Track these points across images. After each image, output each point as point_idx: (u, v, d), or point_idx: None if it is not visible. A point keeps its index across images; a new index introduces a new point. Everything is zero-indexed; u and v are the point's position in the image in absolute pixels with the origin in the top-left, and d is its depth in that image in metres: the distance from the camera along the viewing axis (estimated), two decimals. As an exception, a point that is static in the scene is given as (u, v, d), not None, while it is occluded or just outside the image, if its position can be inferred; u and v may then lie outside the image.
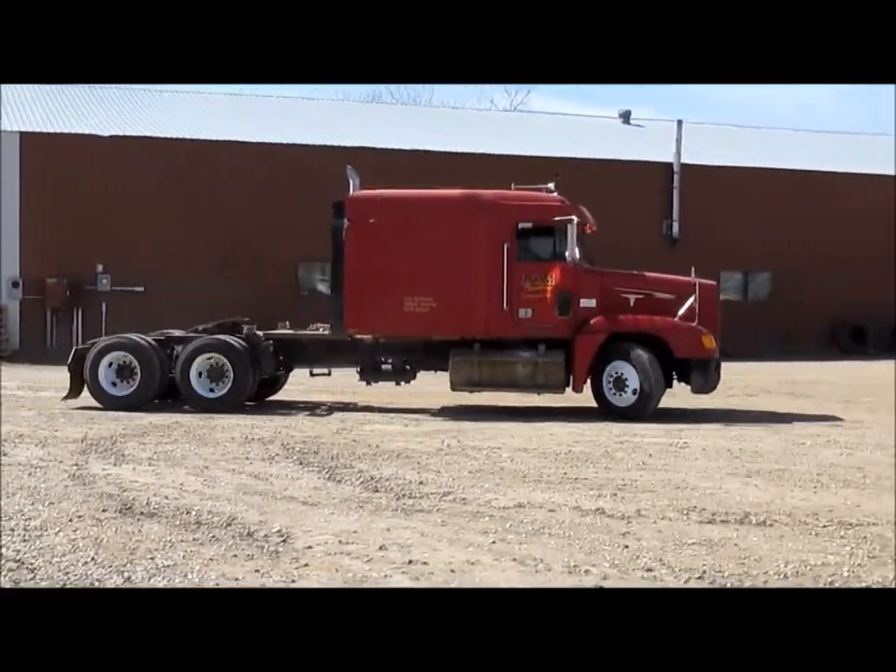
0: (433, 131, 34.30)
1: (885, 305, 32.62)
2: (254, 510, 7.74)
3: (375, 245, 14.64)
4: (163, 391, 14.92)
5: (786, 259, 32.50)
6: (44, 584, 5.64)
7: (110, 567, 6.05)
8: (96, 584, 5.68)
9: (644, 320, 14.24)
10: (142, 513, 7.57)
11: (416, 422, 13.51)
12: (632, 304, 14.48)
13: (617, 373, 13.97)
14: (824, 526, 7.35)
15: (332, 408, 15.20)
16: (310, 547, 6.62)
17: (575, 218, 14.18)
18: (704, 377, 14.15)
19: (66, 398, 14.92)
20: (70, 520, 7.30)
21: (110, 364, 14.76)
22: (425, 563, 6.26)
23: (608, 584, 5.82)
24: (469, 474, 9.44)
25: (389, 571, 6.07)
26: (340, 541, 6.78)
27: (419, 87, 60.88)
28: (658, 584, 5.75)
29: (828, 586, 5.74)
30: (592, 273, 14.77)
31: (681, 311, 14.11)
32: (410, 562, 6.28)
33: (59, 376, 20.83)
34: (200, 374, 14.66)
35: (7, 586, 5.54)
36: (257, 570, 6.05)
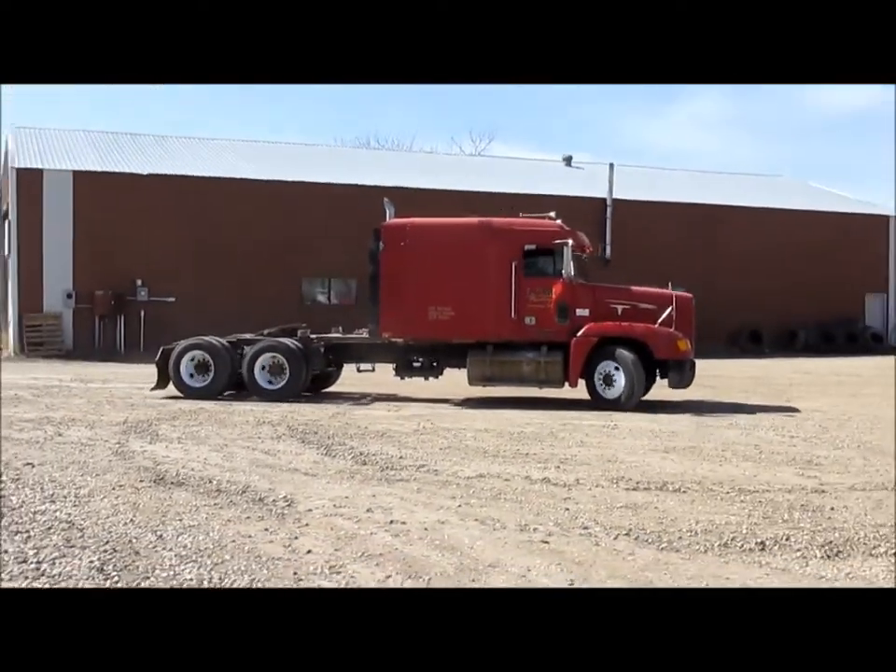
0: (412, 171, 34.22)
1: (778, 312, 32.96)
2: (264, 479, 7.71)
3: (405, 263, 14.49)
4: (233, 384, 14.73)
5: (697, 274, 32.63)
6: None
7: (145, 526, 6.01)
8: (133, 542, 5.63)
9: (628, 327, 13.99)
10: (172, 483, 7.53)
11: (397, 408, 13.48)
12: (619, 313, 14.25)
13: (606, 371, 13.79)
14: (727, 493, 7.39)
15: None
16: (310, 510, 6.60)
17: (570, 241, 14.05)
18: (679, 375, 13.91)
19: (154, 388, 14.63)
20: (113, 488, 7.25)
21: (190, 361, 14.57)
22: (403, 522, 6.26)
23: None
24: (440, 450, 9.42)
25: (375, 529, 6.05)
26: (334, 505, 6.76)
27: (401, 135, 60.40)
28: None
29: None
30: (586, 287, 14.55)
31: (661, 319, 13.93)
32: (391, 522, 6.27)
33: (105, 371, 20.74)
34: (263, 370, 14.49)
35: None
36: (266, 529, 6.02)
